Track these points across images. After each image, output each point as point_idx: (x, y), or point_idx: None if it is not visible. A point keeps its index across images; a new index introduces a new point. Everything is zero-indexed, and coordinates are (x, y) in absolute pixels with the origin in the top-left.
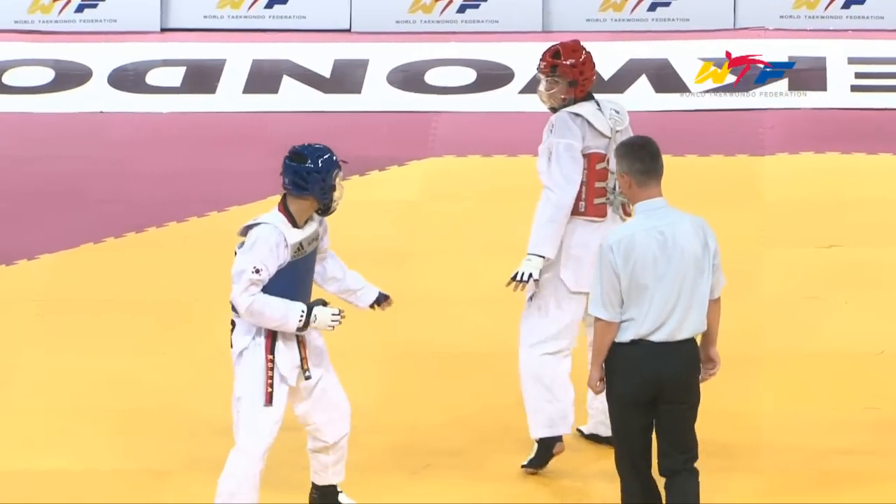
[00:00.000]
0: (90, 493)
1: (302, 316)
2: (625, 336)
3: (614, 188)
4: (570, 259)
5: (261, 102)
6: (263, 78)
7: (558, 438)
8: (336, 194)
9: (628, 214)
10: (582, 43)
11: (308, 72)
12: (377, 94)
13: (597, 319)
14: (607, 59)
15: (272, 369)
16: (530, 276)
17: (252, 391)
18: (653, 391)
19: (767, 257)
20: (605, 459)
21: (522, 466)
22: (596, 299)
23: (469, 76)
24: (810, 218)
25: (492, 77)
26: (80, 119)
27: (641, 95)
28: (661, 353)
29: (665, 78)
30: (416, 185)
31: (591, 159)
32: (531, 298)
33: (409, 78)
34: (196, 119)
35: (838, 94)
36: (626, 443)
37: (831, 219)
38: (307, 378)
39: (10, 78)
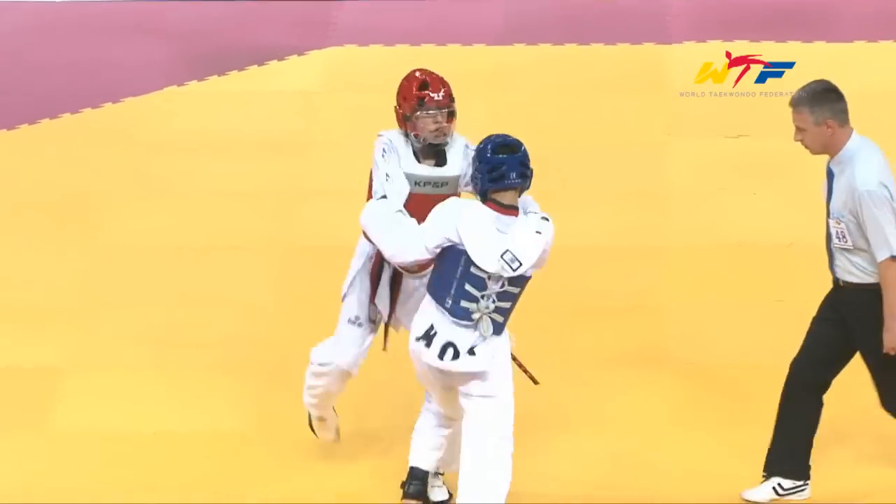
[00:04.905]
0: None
1: None
2: None
3: None
4: None
5: None
6: None
7: None
8: None
9: None
10: None
11: None
12: None
13: (892, 261)
14: None
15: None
16: None
17: (510, 390)
18: None
19: (672, 148)
20: None
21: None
22: (886, 242)
23: None
24: (717, 108)
25: None
26: None
27: None
28: None
29: None
30: (316, 76)
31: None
32: None
33: None
34: (89, 8)
35: None
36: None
37: (739, 108)
38: None
39: None
